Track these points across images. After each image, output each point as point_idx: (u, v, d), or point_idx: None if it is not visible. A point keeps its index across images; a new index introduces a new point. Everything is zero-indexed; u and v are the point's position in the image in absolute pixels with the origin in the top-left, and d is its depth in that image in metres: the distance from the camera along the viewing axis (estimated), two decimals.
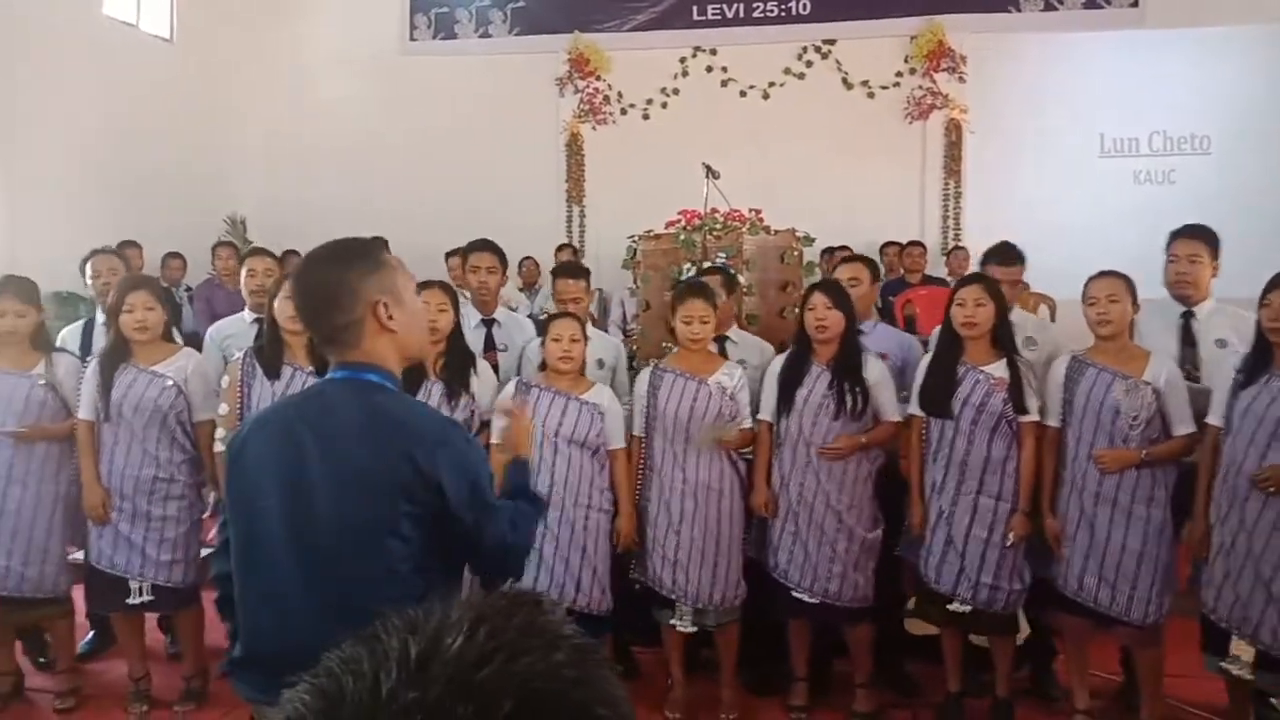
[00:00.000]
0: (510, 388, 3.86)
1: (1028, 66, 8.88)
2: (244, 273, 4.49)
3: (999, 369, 3.66)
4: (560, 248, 8.53)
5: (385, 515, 1.82)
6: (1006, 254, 4.13)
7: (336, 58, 9.56)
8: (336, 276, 1.89)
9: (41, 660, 4.33)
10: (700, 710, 3.95)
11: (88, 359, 4.03)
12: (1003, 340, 3.70)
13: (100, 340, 4.27)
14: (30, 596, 3.87)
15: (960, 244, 8.78)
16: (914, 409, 3.82)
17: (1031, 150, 8.80)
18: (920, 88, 9.08)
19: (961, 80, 9.03)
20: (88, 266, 4.62)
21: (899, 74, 9.14)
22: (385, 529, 1.82)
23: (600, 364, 4.19)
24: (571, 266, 4.71)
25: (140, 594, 3.83)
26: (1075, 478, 3.62)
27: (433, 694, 0.51)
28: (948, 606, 3.75)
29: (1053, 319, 6.38)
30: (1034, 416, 3.67)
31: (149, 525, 3.82)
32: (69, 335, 4.54)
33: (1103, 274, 3.63)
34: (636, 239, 5.04)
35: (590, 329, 4.01)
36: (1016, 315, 4.06)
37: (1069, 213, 8.39)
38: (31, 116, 7.16)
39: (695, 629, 3.85)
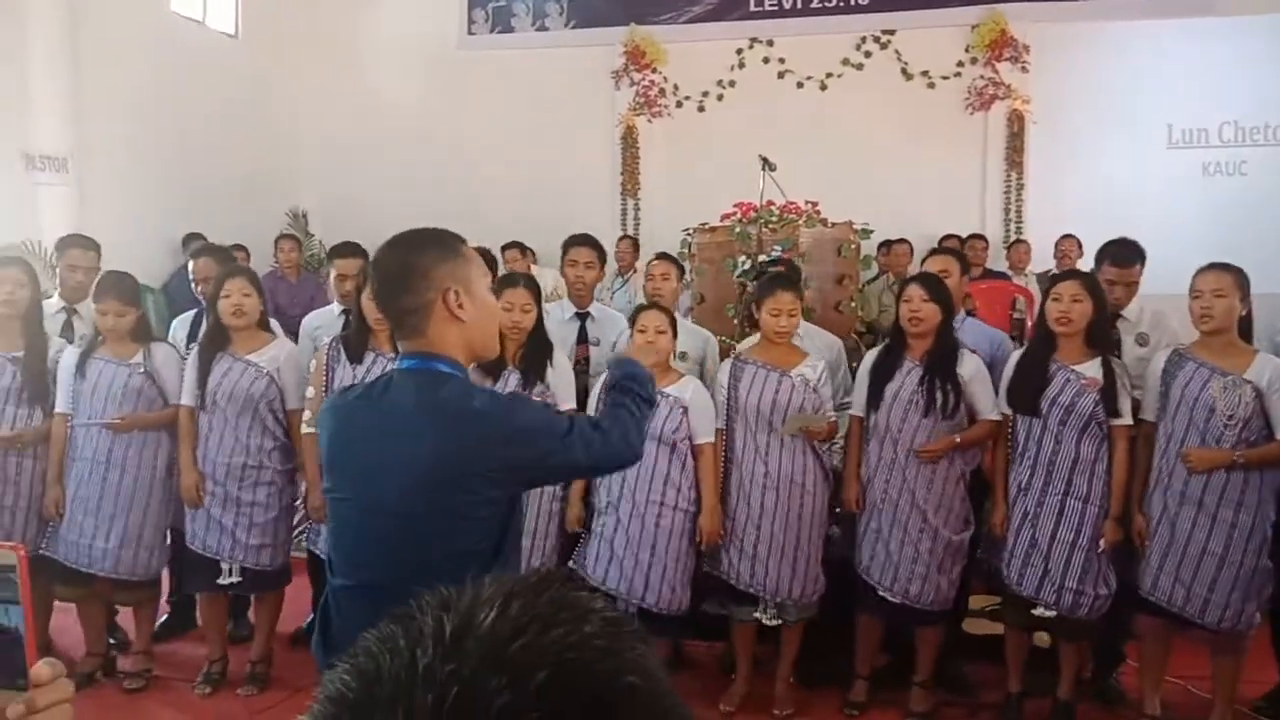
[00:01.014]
0: (600, 384, 3.86)
1: (1093, 55, 8.67)
2: (333, 275, 4.56)
3: (1092, 369, 3.55)
4: (621, 239, 8.53)
5: (458, 504, 1.84)
6: (1121, 253, 3.94)
7: (396, 52, 9.66)
8: (410, 260, 1.91)
9: (112, 641, 4.46)
10: (753, 705, 3.93)
11: (192, 347, 4.18)
12: (1098, 339, 3.58)
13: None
14: (125, 579, 4.00)
15: (1022, 237, 8.62)
16: (1001, 406, 3.73)
17: (1097, 141, 8.60)
18: (982, 78, 8.92)
19: (1024, 70, 8.85)
20: (191, 264, 4.80)
21: (960, 64, 8.98)
22: (460, 515, 1.84)
23: (683, 356, 4.12)
24: (665, 253, 4.86)
25: (230, 575, 3.98)
26: (1162, 474, 3.52)
27: (468, 667, 0.52)
28: (1032, 611, 3.66)
29: None
30: (1126, 420, 3.56)
31: (239, 510, 3.95)
32: (179, 324, 4.73)
33: (1211, 267, 3.48)
34: (691, 232, 5.03)
35: (680, 321, 4.00)
36: (1131, 310, 3.94)
37: (1136, 205, 8.16)
38: (100, 110, 7.35)
39: (779, 622, 3.82)
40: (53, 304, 4.44)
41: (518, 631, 0.54)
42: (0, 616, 0.82)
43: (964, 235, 8.06)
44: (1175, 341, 3.79)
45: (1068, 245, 7.72)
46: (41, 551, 3.99)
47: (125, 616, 4.42)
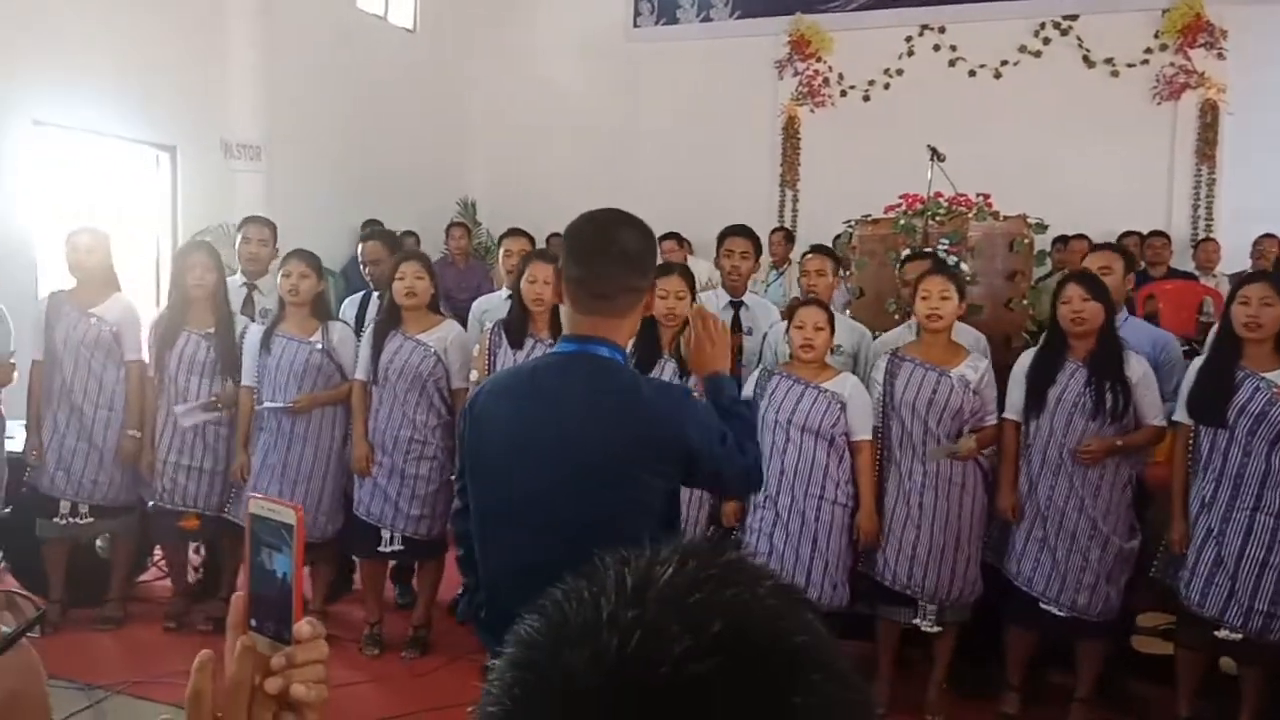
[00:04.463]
0: (754, 376, 3.86)
1: None
2: (501, 252, 4.82)
3: None
4: (775, 230, 8.46)
5: (625, 494, 1.85)
6: None
7: (565, 46, 9.87)
8: (650, 246, 1.97)
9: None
10: (901, 708, 3.85)
11: (361, 328, 4.46)
12: None
13: (374, 313, 4.70)
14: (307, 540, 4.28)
15: (1211, 235, 8.06)
16: (1181, 416, 3.52)
17: None
18: (1172, 65, 8.38)
19: (1220, 57, 8.26)
20: (360, 247, 5.13)
21: (1148, 50, 8.47)
22: (627, 504, 1.85)
23: (837, 349, 4.08)
24: (820, 246, 4.85)
25: (391, 543, 4.21)
26: None
27: (650, 613, 0.56)
28: (1215, 633, 3.45)
29: None
30: None
31: (403, 481, 4.18)
32: (348, 305, 5.04)
33: None
34: (853, 224, 4.93)
35: (837, 316, 3.98)
36: None
37: None
38: (290, 102, 7.82)
39: (940, 629, 3.73)
40: (235, 281, 4.79)
41: (694, 586, 0.57)
42: (268, 562, 0.84)
43: (1145, 232, 7.62)
44: None
45: (1267, 245, 7.18)
46: (225, 515, 4.36)
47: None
